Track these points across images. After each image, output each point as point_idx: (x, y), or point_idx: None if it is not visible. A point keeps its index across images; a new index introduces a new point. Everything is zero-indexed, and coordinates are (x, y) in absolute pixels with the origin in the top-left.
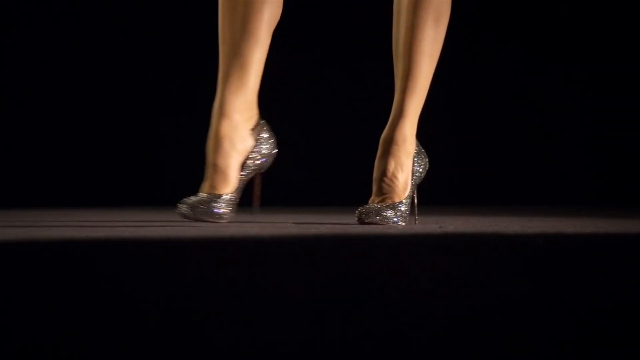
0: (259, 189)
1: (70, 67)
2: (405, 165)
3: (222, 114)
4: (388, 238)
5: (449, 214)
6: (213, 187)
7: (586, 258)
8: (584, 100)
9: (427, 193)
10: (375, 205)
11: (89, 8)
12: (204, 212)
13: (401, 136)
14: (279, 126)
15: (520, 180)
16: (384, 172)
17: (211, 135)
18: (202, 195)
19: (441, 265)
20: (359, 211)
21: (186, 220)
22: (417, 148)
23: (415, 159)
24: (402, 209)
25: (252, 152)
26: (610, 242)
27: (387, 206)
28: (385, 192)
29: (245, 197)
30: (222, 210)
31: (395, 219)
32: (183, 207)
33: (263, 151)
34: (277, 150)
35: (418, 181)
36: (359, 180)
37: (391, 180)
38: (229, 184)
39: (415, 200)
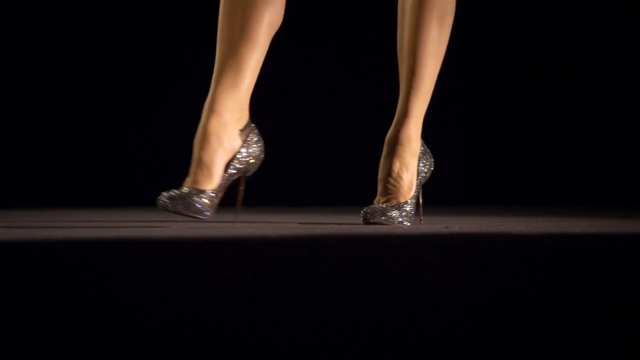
0: (243, 192)
1: (70, 67)
2: (410, 166)
3: (212, 110)
4: (394, 238)
5: (455, 214)
6: (195, 182)
7: (593, 258)
8: (584, 100)
9: (432, 193)
10: (381, 205)
11: (89, 8)
12: (183, 205)
13: (406, 136)
14: (284, 126)
15: (521, 180)
16: (388, 173)
17: (199, 131)
18: (184, 189)
19: (448, 265)
20: (364, 211)
21: (165, 212)
22: (422, 148)
23: (421, 159)
24: (408, 209)
25: (238, 152)
26: (616, 242)
27: (392, 206)
28: (390, 192)
29: (230, 198)
30: (201, 206)
31: (400, 219)
32: (162, 199)
33: (250, 153)
34: (264, 155)
35: (423, 181)
36: (364, 180)
37: (396, 180)
38: (212, 181)
39: (421, 200)
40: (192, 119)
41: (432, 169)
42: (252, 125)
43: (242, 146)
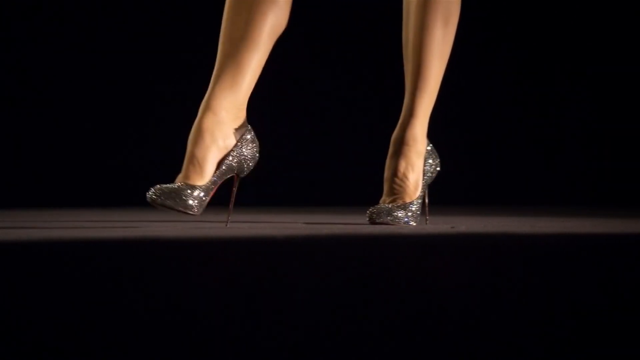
0: (234, 194)
1: (70, 67)
2: (416, 166)
3: (208, 108)
4: (400, 238)
5: (460, 214)
6: (187, 177)
7: (601, 258)
8: (584, 100)
9: (438, 193)
10: (387, 205)
11: (89, 8)
12: (173, 199)
13: (412, 136)
14: (289, 125)
15: (521, 180)
16: (394, 173)
17: (193, 128)
18: (174, 184)
19: (454, 265)
20: (370, 211)
21: (154, 206)
22: (428, 148)
23: (427, 159)
24: (413, 209)
25: (232, 151)
26: (624, 242)
27: (398, 206)
28: (396, 192)
29: (224, 198)
30: (190, 202)
31: (406, 219)
32: (152, 193)
33: (244, 154)
34: (259, 156)
35: (429, 181)
36: (370, 180)
37: (402, 180)
38: (203, 177)
39: (427, 200)
40: (192, 119)
41: (438, 169)
42: (248, 126)
43: (236, 145)
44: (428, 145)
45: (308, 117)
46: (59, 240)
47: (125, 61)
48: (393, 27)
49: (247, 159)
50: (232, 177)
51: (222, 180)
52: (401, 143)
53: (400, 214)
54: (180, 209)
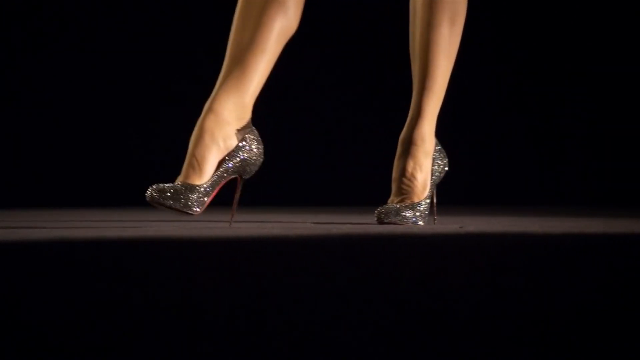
0: (238, 195)
1: (70, 67)
2: (424, 165)
3: (210, 109)
4: (409, 238)
5: (468, 214)
6: (186, 177)
7: (611, 258)
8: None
9: (446, 193)
10: (395, 205)
11: (89, 8)
12: (172, 199)
13: (419, 136)
14: (296, 125)
15: (521, 180)
16: (402, 172)
17: (195, 128)
18: (174, 183)
19: (463, 265)
20: (378, 211)
21: (153, 205)
22: (437, 147)
23: (435, 159)
24: (422, 209)
25: (233, 152)
26: (635, 242)
27: (406, 206)
28: (404, 192)
29: (228, 199)
30: (190, 201)
31: (414, 219)
32: (151, 191)
33: (246, 155)
34: (263, 158)
35: (437, 181)
36: (378, 180)
37: (410, 180)
38: (203, 177)
39: (435, 200)
40: (193, 119)
41: (446, 169)
42: (252, 127)
43: (237, 146)
44: (437, 145)
45: (315, 117)
46: (59, 240)
47: (125, 61)
48: (402, 26)
49: (250, 161)
50: (236, 178)
51: (225, 181)
52: (409, 143)
53: (408, 214)
54: (179, 208)
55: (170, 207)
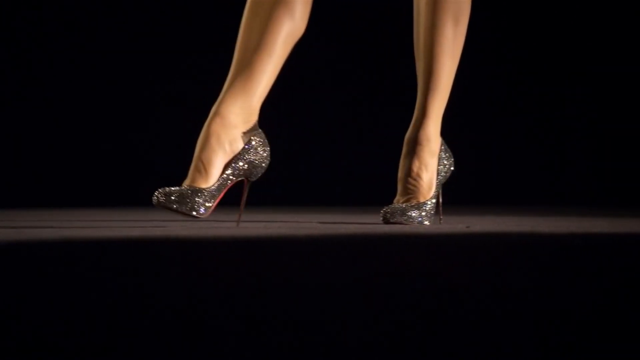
0: (245, 198)
1: (70, 67)
2: (429, 165)
3: (216, 113)
4: (414, 238)
5: (474, 213)
6: (192, 180)
7: (618, 257)
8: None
9: (452, 193)
10: (400, 205)
11: (89, 8)
12: (178, 202)
13: (425, 136)
14: (303, 125)
15: (528, 180)
16: (408, 172)
17: (202, 132)
18: (181, 187)
19: (469, 264)
20: (384, 211)
21: (159, 208)
22: (442, 147)
23: (441, 159)
24: (427, 208)
25: (239, 155)
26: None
27: (412, 206)
28: (410, 192)
29: (235, 200)
30: (196, 205)
31: (420, 219)
32: (158, 195)
33: (253, 157)
34: (269, 160)
35: (443, 180)
36: (384, 180)
37: (415, 180)
38: (209, 180)
39: (440, 200)
40: (193, 119)
41: (452, 168)
42: (259, 129)
43: (243, 148)
44: (442, 144)
45: (321, 117)
46: (59, 240)
47: (125, 61)
48: (407, 26)
49: (256, 163)
50: (243, 181)
51: (231, 183)
52: (414, 143)
53: (414, 214)
54: (185, 211)
55: (176, 211)
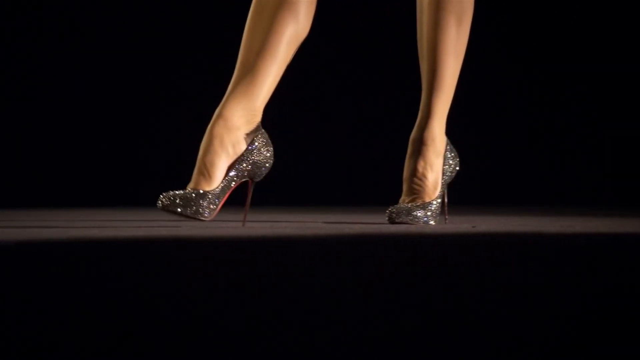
0: (249, 199)
1: (70, 67)
2: (435, 165)
3: (219, 115)
4: (420, 237)
5: (480, 213)
6: (196, 184)
7: (624, 257)
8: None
9: (458, 192)
10: (406, 205)
11: (89, 8)
12: (182, 206)
13: (430, 136)
14: (307, 125)
15: (533, 180)
16: (413, 172)
17: (205, 134)
18: (184, 190)
19: (475, 264)
20: (390, 211)
21: (164, 212)
22: (448, 147)
23: (446, 158)
24: (433, 208)
25: (243, 156)
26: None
27: (417, 206)
28: (415, 192)
29: (240, 201)
30: (199, 208)
31: (425, 219)
32: (162, 199)
33: (256, 158)
34: (273, 161)
35: (449, 180)
36: (389, 180)
37: (421, 180)
38: (212, 183)
39: (446, 200)
40: (193, 119)
41: (457, 168)
42: (262, 130)
43: (247, 150)
44: (448, 144)
45: (326, 117)
46: (59, 240)
47: (125, 61)
48: (410, 25)
49: (260, 163)
50: (247, 181)
51: (235, 185)
52: (419, 142)
53: (419, 214)
54: (190, 215)
55: (180, 214)
